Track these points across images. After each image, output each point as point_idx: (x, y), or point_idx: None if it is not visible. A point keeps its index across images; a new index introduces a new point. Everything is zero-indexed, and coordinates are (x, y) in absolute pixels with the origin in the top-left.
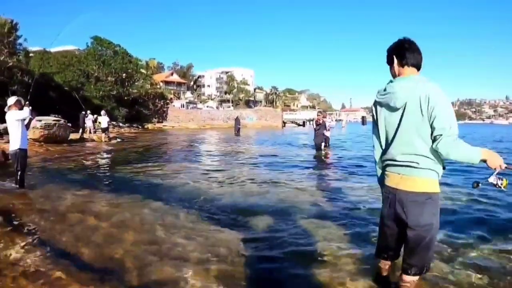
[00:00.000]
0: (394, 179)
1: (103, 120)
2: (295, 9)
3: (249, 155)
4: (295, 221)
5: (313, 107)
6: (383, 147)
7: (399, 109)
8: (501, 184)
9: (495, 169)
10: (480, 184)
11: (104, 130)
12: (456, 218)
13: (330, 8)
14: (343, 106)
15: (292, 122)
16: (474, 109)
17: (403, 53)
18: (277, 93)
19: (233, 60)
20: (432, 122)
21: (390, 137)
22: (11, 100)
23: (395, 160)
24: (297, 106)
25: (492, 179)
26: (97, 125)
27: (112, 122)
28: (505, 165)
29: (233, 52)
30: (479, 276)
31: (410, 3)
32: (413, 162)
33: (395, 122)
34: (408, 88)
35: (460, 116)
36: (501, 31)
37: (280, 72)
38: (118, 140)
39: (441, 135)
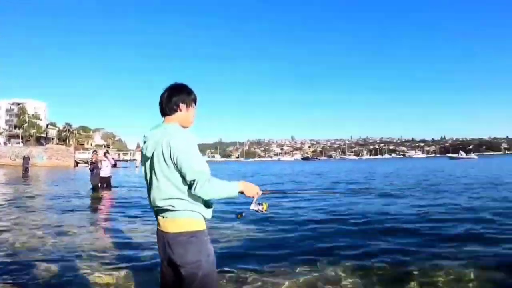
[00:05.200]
0: (160, 222)
1: None
2: (84, 44)
3: (34, 200)
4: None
5: (107, 146)
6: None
7: (149, 157)
8: (262, 209)
9: (253, 197)
10: (243, 214)
11: None
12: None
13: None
14: (138, 146)
15: (85, 162)
16: (263, 148)
17: (160, 103)
18: (71, 130)
19: (26, 91)
20: (181, 169)
21: (149, 184)
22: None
23: (157, 206)
24: (91, 144)
25: (253, 206)
26: None
27: None
28: (261, 191)
29: (26, 81)
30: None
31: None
32: (170, 205)
33: (150, 170)
34: (156, 136)
35: (250, 154)
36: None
37: (75, 107)
38: None
39: (194, 180)
